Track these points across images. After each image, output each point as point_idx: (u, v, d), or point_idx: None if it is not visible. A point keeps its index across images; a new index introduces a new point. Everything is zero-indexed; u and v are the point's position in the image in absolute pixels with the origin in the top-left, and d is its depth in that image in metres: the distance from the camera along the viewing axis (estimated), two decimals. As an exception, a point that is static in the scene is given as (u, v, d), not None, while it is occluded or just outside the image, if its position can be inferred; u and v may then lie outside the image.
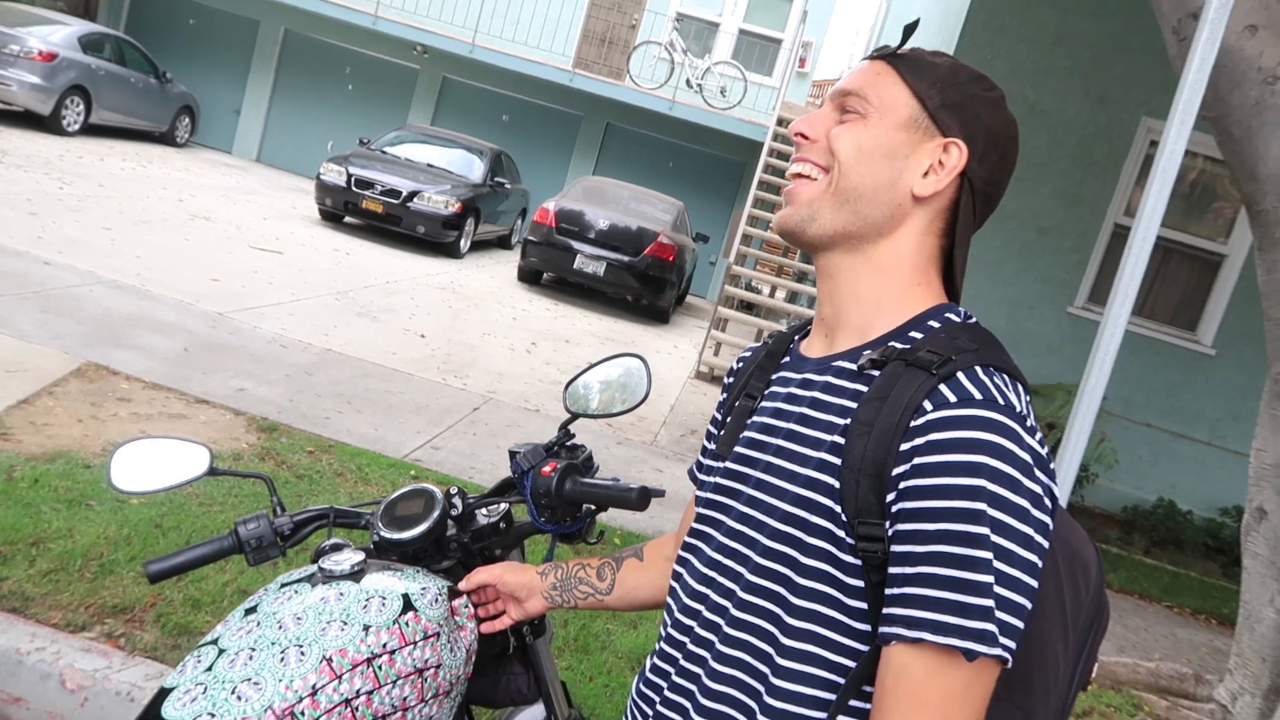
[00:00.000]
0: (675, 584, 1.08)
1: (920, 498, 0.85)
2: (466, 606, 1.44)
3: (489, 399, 6.07)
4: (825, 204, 0.99)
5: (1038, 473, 0.87)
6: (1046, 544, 0.87)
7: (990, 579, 0.83)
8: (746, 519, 0.99)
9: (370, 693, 1.27)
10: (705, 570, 1.02)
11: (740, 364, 1.18)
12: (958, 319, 1.00)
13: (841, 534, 0.90)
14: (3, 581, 2.61)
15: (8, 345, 4.53)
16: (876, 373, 0.94)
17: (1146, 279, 7.78)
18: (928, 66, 1.00)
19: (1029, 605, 0.85)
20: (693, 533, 1.08)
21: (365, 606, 1.32)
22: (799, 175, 1.02)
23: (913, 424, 0.87)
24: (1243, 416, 7.39)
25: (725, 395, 1.19)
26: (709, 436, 1.22)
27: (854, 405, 0.93)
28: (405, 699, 1.31)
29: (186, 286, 6.71)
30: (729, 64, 15.10)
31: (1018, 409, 0.89)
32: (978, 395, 0.87)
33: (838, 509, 0.90)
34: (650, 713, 1.05)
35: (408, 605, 1.34)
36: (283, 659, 1.25)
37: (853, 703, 0.91)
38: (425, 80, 17.56)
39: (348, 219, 12.31)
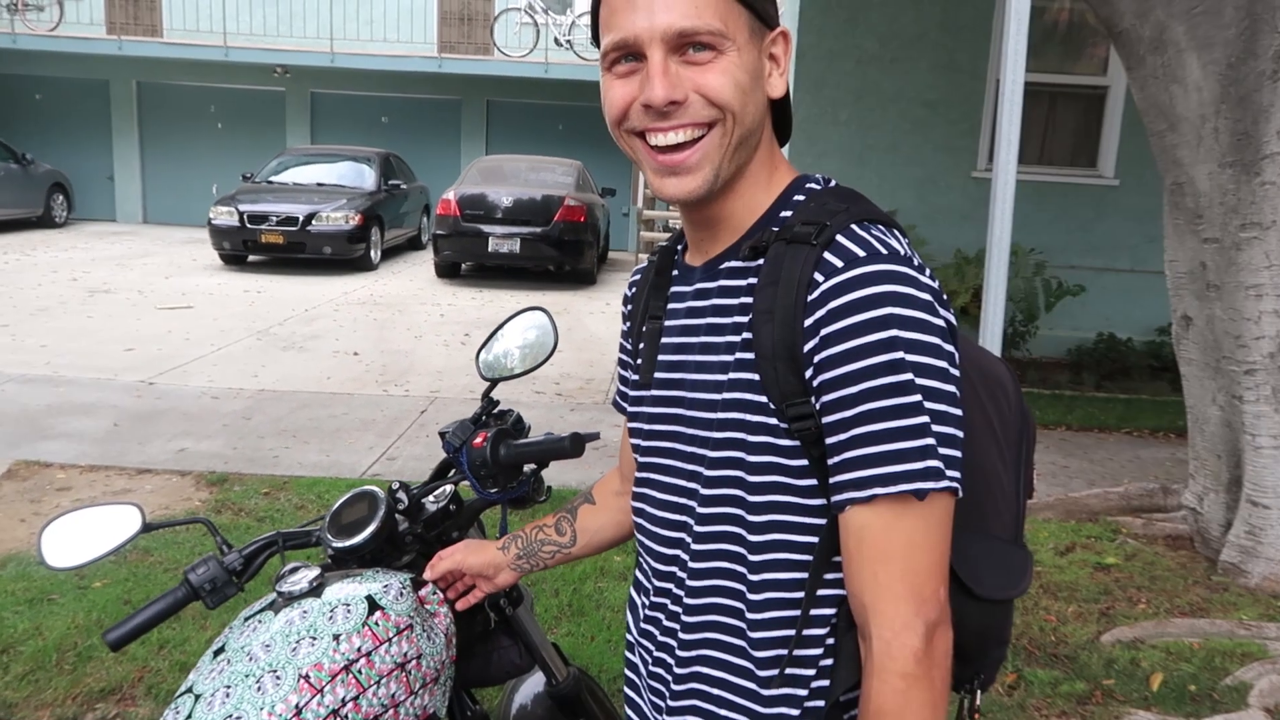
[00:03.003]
0: (640, 519, 1.08)
1: (837, 365, 0.86)
2: (435, 593, 1.43)
3: (434, 399, 6.02)
4: (726, 157, 0.93)
5: (939, 308, 0.89)
6: (958, 373, 0.89)
7: (925, 419, 0.84)
8: (690, 439, 0.99)
9: (356, 698, 1.26)
10: (668, 497, 1.03)
11: (634, 289, 1.17)
12: (819, 185, 1.00)
13: (775, 422, 0.91)
14: (-20, 696, 2.55)
15: (-71, 465, 4.37)
16: (761, 261, 0.94)
17: (1039, 126, 7.93)
18: None
19: (960, 434, 0.87)
20: (642, 467, 1.07)
21: (331, 617, 1.31)
22: (679, 145, 0.91)
23: (809, 299, 0.88)
24: (1157, 237, 7.57)
25: (628, 323, 1.18)
26: (623, 365, 1.22)
27: (750, 299, 0.94)
28: (394, 695, 1.31)
29: (101, 363, 6.51)
30: (592, 13, 14.92)
31: (903, 253, 0.89)
32: (861, 253, 0.87)
33: (765, 399, 0.91)
34: (651, 645, 1.06)
35: (373, 606, 1.33)
36: (259, 688, 1.23)
37: (827, 576, 0.93)
38: (293, 100, 17.11)
39: (250, 257, 12.03)
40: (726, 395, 0.94)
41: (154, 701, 2.57)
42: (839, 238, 0.89)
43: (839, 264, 0.87)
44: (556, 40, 14.78)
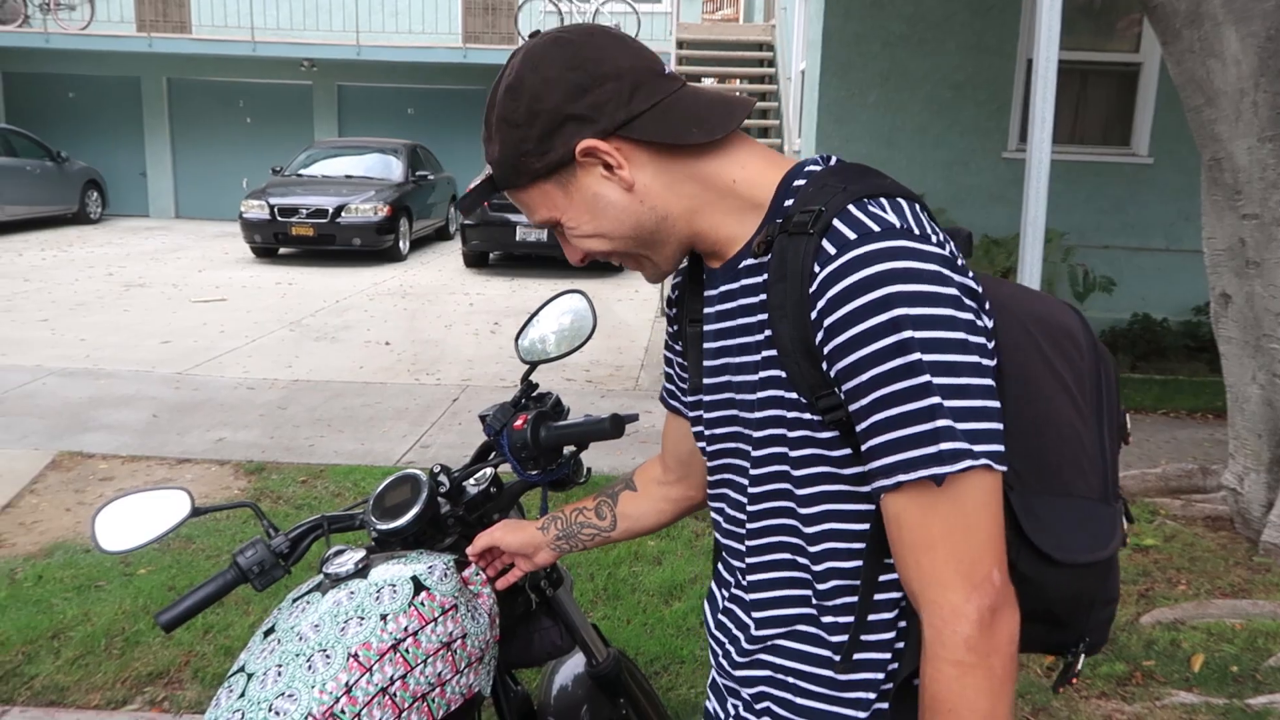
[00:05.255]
0: (719, 518, 1.09)
1: (846, 354, 0.85)
2: (478, 574, 1.45)
3: (465, 387, 6.06)
4: (648, 257, 1.01)
5: (949, 274, 0.85)
6: (984, 339, 0.86)
7: (935, 400, 0.82)
8: (744, 439, 1.00)
9: (404, 676, 1.29)
10: (741, 497, 1.03)
11: (676, 291, 1.17)
12: (820, 165, 0.96)
13: (810, 416, 0.91)
14: (34, 679, 2.61)
15: (-24, 457, 4.47)
16: (770, 255, 0.93)
17: (1071, 104, 7.82)
18: (504, 154, 0.96)
19: (992, 403, 0.84)
20: (714, 469, 1.08)
21: (377, 598, 1.33)
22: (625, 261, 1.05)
23: (810, 291, 0.87)
24: (1193, 216, 7.48)
25: (675, 326, 1.18)
26: (668, 363, 1.22)
27: (765, 296, 0.93)
28: (440, 674, 1.33)
29: (139, 356, 6.62)
30: (617, 0, 14.89)
31: (899, 225, 0.86)
32: (853, 235, 0.85)
33: (796, 396, 0.91)
34: (724, 638, 1.08)
35: (419, 586, 1.35)
36: (310, 667, 1.26)
37: (886, 560, 0.92)
38: (321, 94, 17.22)
39: (281, 250, 12.15)
40: (765, 394, 0.94)
41: (201, 684, 2.62)
42: (834, 222, 0.87)
43: (833, 251, 0.86)
44: (581, 28, 14.75)
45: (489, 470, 1.59)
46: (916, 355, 0.82)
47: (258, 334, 7.50)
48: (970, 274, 0.91)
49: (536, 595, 1.63)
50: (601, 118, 0.93)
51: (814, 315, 0.86)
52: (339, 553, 1.44)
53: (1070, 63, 7.18)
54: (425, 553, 1.44)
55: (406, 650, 1.30)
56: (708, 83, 13.92)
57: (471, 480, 1.58)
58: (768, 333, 0.92)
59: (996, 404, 0.85)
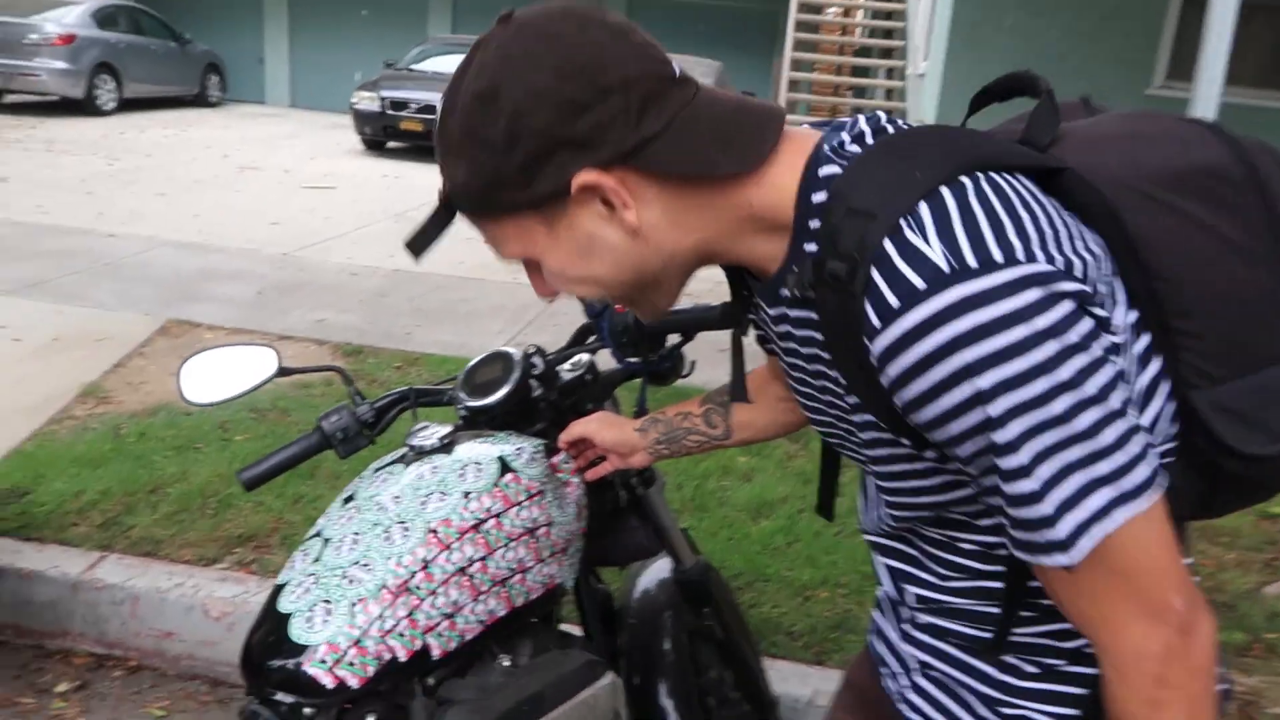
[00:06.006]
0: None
1: (933, 430, 0.74)
2: (567, 462, 1.37)
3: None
4: (645, 300, 0.87)
5: (1040, 299, 0.68)
6: (1093, 353, 0.69)
7: (1039, 476, 0.70)
8: (854, 452, 0.91)
9: (484, 558, 1.22)
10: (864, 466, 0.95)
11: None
12: (836, 166, 0.77)
13: (928, 454, 0.80)
14: (131, 529, 2.69)
15: (92, 317, 4.63)
16: (813, 293, 0.78)
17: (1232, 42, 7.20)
18: (473, 180, 0.79)
19: (1121, 425, 0.70)
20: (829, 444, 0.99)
21: (462, 475, 1.26)
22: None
23: (871, 362, 0.74)
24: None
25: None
26: None
27: (822, 337, 0.80)
28: (521, 560, 1.26)
29: (249, 234, 6.75)
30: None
31: (948, 266, 0.69)
32: (896, 301, 0.70)
33: (905, 443, 0.80)
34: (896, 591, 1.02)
35: (505, 467, 1.28)
36: (388, 538, 1.20)
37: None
38: (438, -11, 17.10)
39: (390, 144, 12.22)
40: (864, 435, 0.84)
41: (288, 550, 2.66)
42: (873, 277, 0.71)
43: (878, 324, 0.71)
44: (705, -68, 14.22)
45: (586, 356, 1.50)
46: (1007, 431, 0.70)
47: (363, 223, 7.58)
48: (1070, 276, 0.71)
49: (626, 493, 1.55)
50: (605, 144, 0.74)
51: (885, 387, 0.74)
52: (424, 427, 1.38)
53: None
54: (513, 434, 1.37)
55: (488, 532, 1.23)
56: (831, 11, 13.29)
57: (567, 365, 1.49)
58: (843, 380, 0.80)
59: (1130, 422, 0.70)
